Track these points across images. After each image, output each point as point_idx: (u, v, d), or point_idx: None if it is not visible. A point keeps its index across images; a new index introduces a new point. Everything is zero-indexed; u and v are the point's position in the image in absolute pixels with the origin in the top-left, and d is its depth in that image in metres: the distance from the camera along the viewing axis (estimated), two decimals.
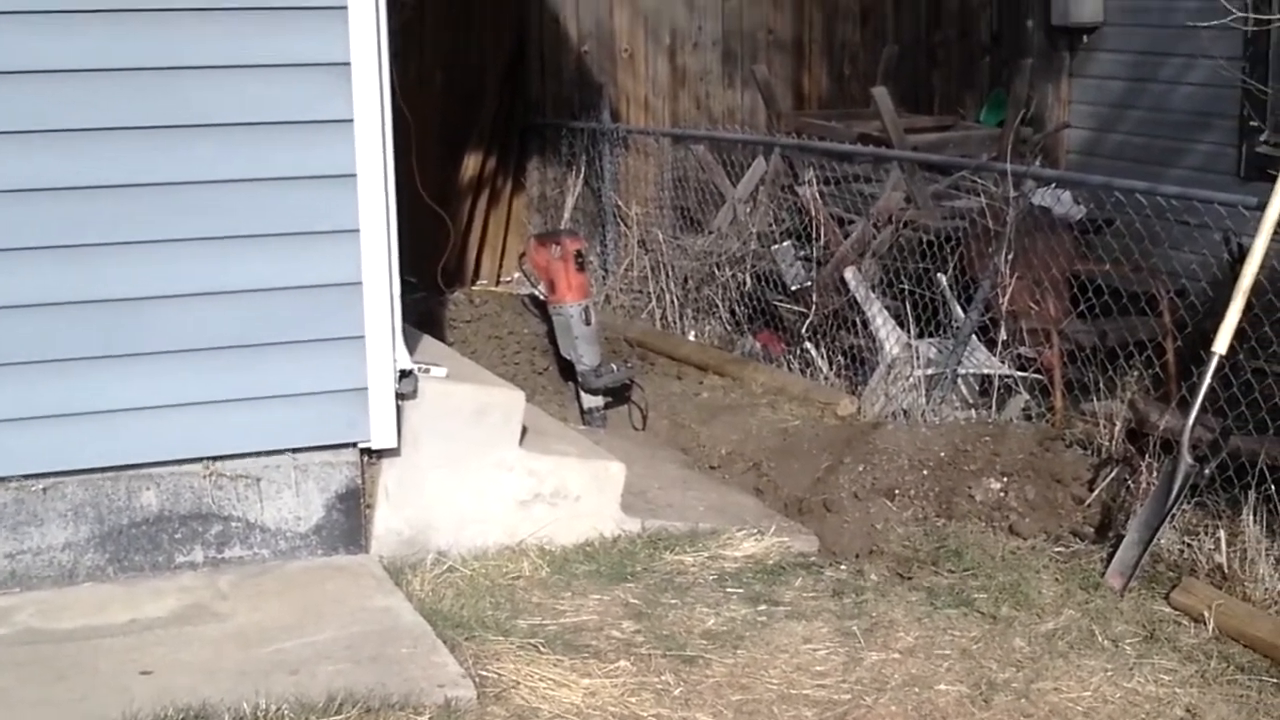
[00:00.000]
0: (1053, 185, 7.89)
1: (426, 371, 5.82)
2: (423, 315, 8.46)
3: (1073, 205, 8.89)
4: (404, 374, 5.66)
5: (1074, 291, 7.78)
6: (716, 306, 9.35)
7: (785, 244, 8.94)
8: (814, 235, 8.63)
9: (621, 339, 9.44)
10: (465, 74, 10.99)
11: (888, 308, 8.29)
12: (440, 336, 8.27)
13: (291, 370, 5.54)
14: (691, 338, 9.45)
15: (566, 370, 8.30)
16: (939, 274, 8.10)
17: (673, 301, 9.71)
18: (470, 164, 11.06)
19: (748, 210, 9.71)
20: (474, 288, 11.17)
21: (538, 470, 6.00)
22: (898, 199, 8.61)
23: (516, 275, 11.33)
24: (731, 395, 8.22)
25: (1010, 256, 7.21)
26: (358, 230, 5.50)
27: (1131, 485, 6.34)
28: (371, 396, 5.62)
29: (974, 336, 7.87)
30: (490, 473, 5.93)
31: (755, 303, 9.08)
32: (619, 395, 8.17)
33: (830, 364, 8.43)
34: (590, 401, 7.97)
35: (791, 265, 8.85)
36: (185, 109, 5.30)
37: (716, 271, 9.41)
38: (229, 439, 5.53)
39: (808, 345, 8.53)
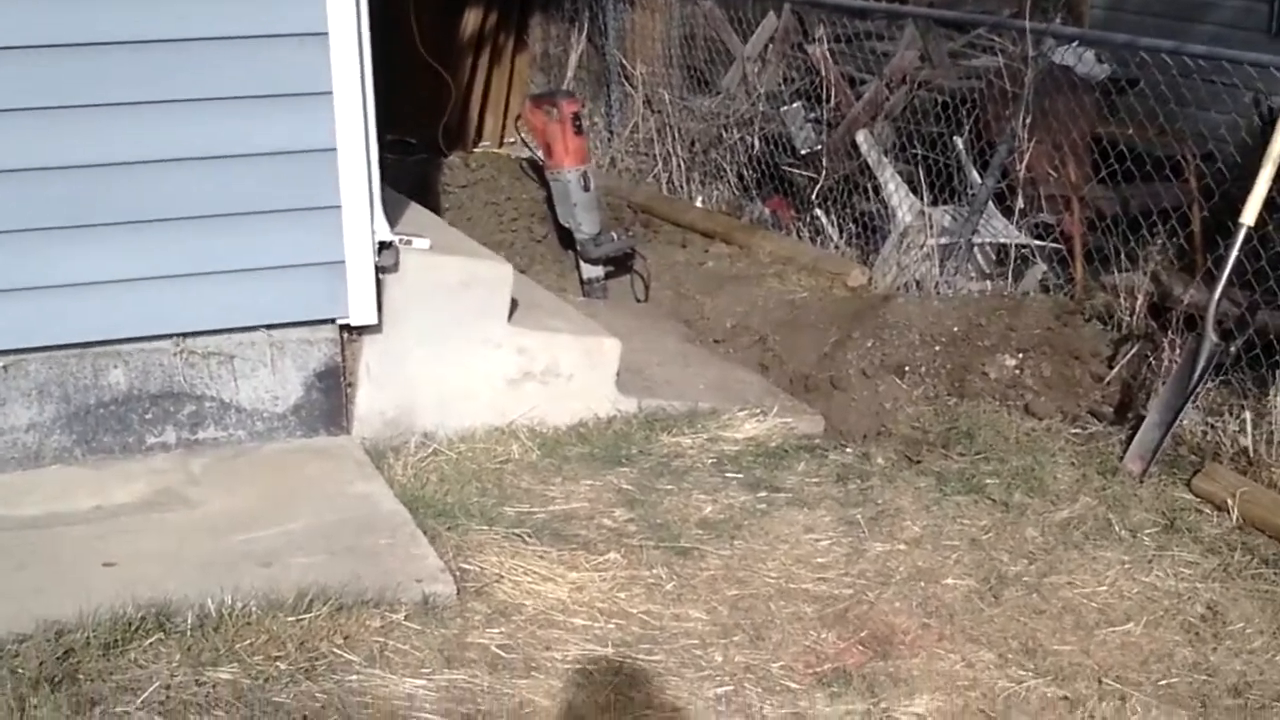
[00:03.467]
0: (1074, 43, 7.46)
1: (409, 243, 5.50)
2: (416, 180, 8.12)
3: (1095, 64, 8.45)
4: (384, 246, 5.34)
5: (1096, 156, 7.40)
6: (724, 170, 8.98)
7: (795, 105, 8.55)
8: (824, 96, 8.24)
9: (625, 204, 9.11)
10: None
11: (901, 173, 7.93)
12: (434, 203, 7.96)
13: (264, 242, 5.22)
14: (699, 203, 9.10)
15: (566, 239, 7.98)
16: (955, 137, 7.73)
17: (679, 165, 9.35)
18: (471, 19, 10.63)
19: (757, 70, 9.30)
20: (476, 150, 10.82)
21: (528, 347, 5.70)
22: (912, 58, 8.20)
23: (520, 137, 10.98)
24: (738, 264, 7.90)
25: (1028, 119, 6.84)
26: (330, 93, 5.15)
27: (1154, 363, 6.05)
28: (349, 269, 5.31)
29: (991, 204, 7.53)
30: (477, 350, 5.63)
31: (764, 167, 8.71)
32: (621, 265, 7.84)
33: (841, 232, 8.08)
34: (590, 271, 7.66)
35: (801, 128, 8.47)
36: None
37: (724, 134, 9.03)
38: (200, 314, 5.24)
39: (818, 212, 8.18)
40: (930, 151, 7.72)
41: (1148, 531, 5.03)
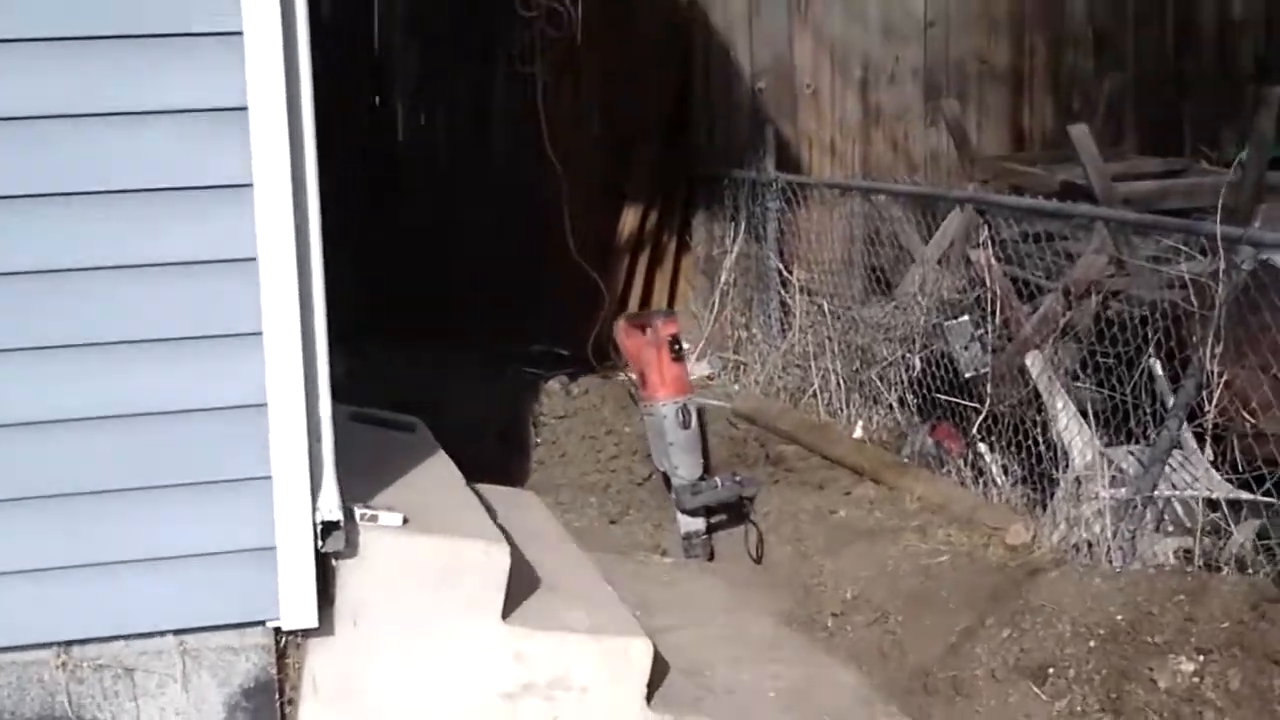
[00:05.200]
0: None
1: (374, 519, 4.34)
2: (507, 417, 7.01)
3: None
4: (329, 526, 4.18)
5: None
6: (883, 394, 7.66)
7: (963, 319, 7.20)
8: (991, 310, 6.89)
9: (771, 431, 7.86)
10: (625, 115, 9.56)
11: (1088, 403, 6.51)
12: (521, 437, 6.83)
13: (171, 525, 4.14)
14: (858, 431, 7.76)
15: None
16: (1152, 360, 6.27)
17: (839, 385, 8.05)
18: (630, 219, 9.62)
19: (936, 277, 7.99)
20: None
21: (528, 653, 4.46)
22: (1099, 264, 6.80)
23: (689, 346, 9.85)
24: (877, 514, 6.54)
25: (1218, 346, 5.39)
26: (259, 333, 4.06)
27: None
28: (281, 558, 4.17)
29: (1193, 445, 6.06)
30: (462, 657, 4.42)
31: (926, 391, 7.37)
32: (735, 512, 6.56)
33: (1008, 474, 6.66)
34: (688, 525, 6.40)
35: (967, 346, 7.11)
36: (29, 172, 3.94)
37: (885, 350, 7.72)
38: (90, 617, 4.14)
39: (981, 448, 6.78)
40: (1118, 380, 6.28)
41: None
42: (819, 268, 8.63)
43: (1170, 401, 6.11)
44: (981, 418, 6.76)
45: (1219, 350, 5.40)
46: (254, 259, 4.03)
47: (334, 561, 4.29)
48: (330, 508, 4.18)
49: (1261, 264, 6.22)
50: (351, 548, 4.30)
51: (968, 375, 7.06)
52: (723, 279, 9.08)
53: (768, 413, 8.22)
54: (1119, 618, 5.07)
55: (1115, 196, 7.24)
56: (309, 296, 4.12)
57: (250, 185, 4.00)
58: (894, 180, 8.92)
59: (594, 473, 6.73)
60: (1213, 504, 5.95)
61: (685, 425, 6.33)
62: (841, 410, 7.96)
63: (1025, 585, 5.38)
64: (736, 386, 9.04)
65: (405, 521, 4.41)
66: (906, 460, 7.25)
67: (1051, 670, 4.94)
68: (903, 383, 7.63)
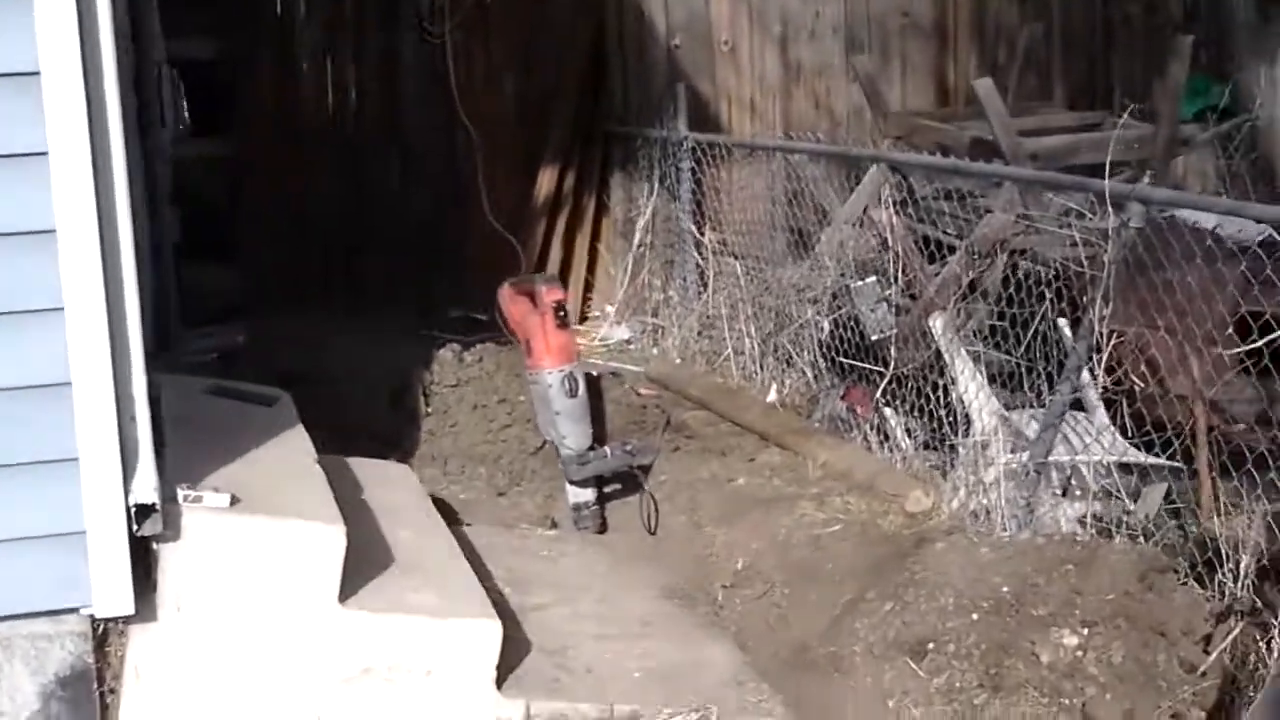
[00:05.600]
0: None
1: (198, 500, 4.10)
2: (400, 384, 6.78)
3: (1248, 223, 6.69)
4: (144, 509, 3.93)
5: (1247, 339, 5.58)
6: (794, 358, 7.43)
7: (869, 280, 6.98)
8: (895, 271, 6.67)
9: (683, 397, 7.64)
10: (539, 76, 9.32)
11: (992, 365, 6.30)
12: (412, 407, 6.59)
13: None
14: (772, 395, 7.53)
15: None
16: (1060, 320, 6.04)
17: (753, 349, 7.82)
18: (546, 181, 9.38)
19: (853, 238, 7.75)
20: None
21: (367, 637, 4.23)
22: (1003, 222, 6.58)
23: (609, 309, 9.63)
24: (776, 481, 6.31)
25: (1107, 307, 5.17)
26: (60, 309, 3.81)
27: (1264, 649, 4.29)
28: (92, 543, 3.93)
29: (1102, 409, 5.86)
30: (295, 642, 4.19)
31: (835, 353, 7.15)
32: (631, 482, 6.33)
33: (912, 437, 6.45)
34: (577, 495, 6.16)
35: (874, 308, 6.88)
36: None
37: (794, 313, 7.50)
38: None
39: (886, 413, 6.56)
40: (1026, 342, 6.05)
41: None
42: (735, 228, 8.40)
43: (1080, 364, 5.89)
44: (886, 381, 6.54)
45: (1107, 311, 5.17)
46: (52, 231, 3.78)
47: (155, 546, 4.06)
48: (145, 490, 3.94)
49: (1167, 221, 6.02)
50: (173, 531, 4.07)
51: (874, 338, 6.85)
52: (637, 240, 8.84)
53: (680, 378, 8.00)
54: (1004, 589, 4.86)
55: (1022, 152, 7.01)
56: (116, 269, 3.88)
57: (45, 154, 3.74)
58: (810, 138, 8.66)
59: (484, 443, 6.48)
60: (1126, 468, 5.76)
61: (572, 394, 6.09)
62: (756, 374, 7.75)
63: (912, 556, 5.16)
64: (655, 350, 8.82)
65: (234, 502, 4.16)
66: (817, 425, 7.03)
67: (932, 645, 4.72)
68: (815, 346, 7.40)
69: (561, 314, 6.09)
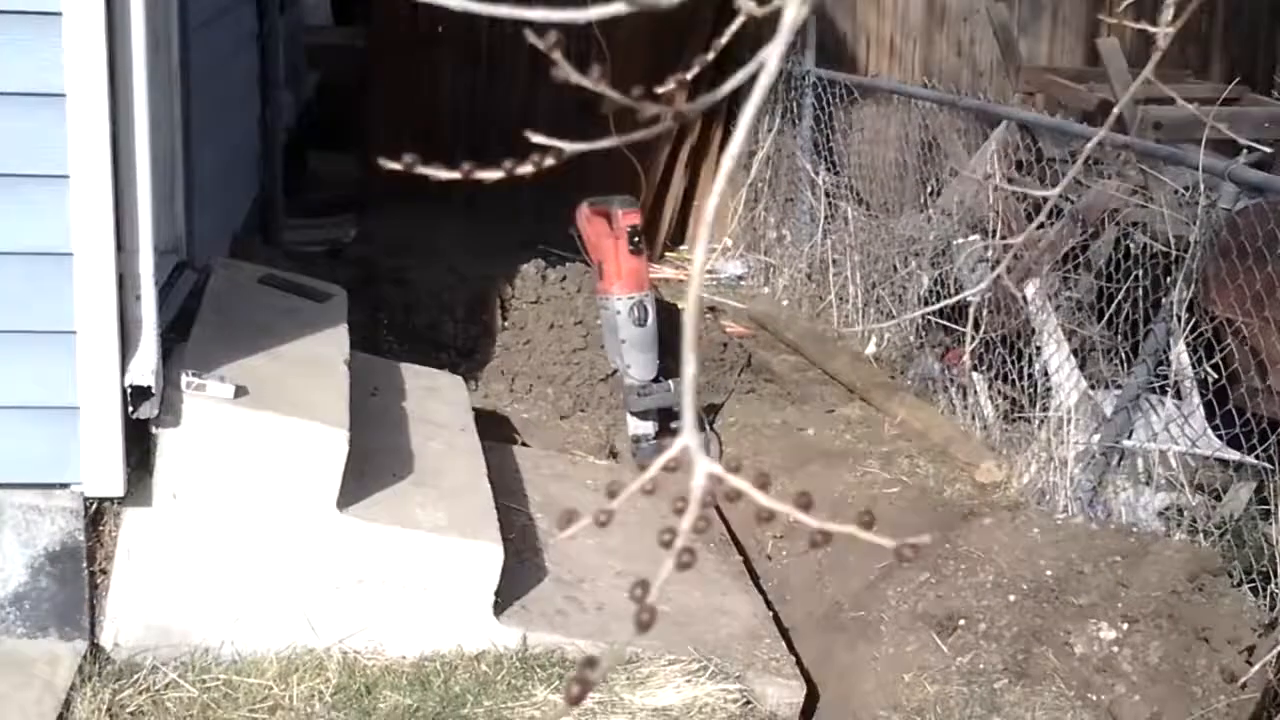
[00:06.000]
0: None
1: (201, 388, 3.99)
2: (481, 293, 6.62)
3: None
4: (140, 391, 3.83)
5: None
6: (893, 311, 7.16)
7: (972, 238, 6.68)
8: (995, 231, 6.36)
9: (778, 339, 7.43)
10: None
11: (1089, 340, 5.98)
12: (488, 320, 6.45)
13: None
14: (871, 348, 7.28)
15: None
16: (1166, 298, 5.70)
17: (857, 298, 7.56)
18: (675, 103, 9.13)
19: (975, 193, 7.43)
20: (668, 255, 9.33)
21: (364, 544, 4.11)
22: (1109, 192, 6.21)
23: (726, 243, 9.39)
24: (848, 436, 6.08)
25: (1188, 293, 4.85)
26: (66, 176, 3.70)
27: None
28: (84, 420, 3.84)
29: (1196, 397, 5.53)
30: (290, 543, 4.08)
31: (933, 311, 6.85)
32: (701, 418, 6.12)
33: (997, 407, 6.16)
34: (637, 427, 5.97)
35: (975, 268, 6.59)
36: None
37: (899, 266, 7.22)
38: None
39: (975, 378, 6.27)
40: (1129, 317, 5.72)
41: None
42: (856, 173, 8.10)
43: (1180, 347, 5.57)
44: (974, 344, 6.24)
45: (1188, 293, 4.84)
46: (62, 95, 3.67)
47: (154, 430, 3.96)
48: (143, 371, 3.83)
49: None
50: (173, 416, 3.97)
51: (970, 298, 6.54)
52: (753, 174, 8.58)
53: (779, 320, 7.78)
54: (1048, 573, 4.61)
55: (1147, 119, 6.62)
56: (129, 141, 3.77)
57: (59, 14, 3.63)
58: (943, 88, 8.31)
59: (555, 363, 6.30)
60: (1223, 463, 5.44)
61: (640, 323, 5.88)
62: (858, 324, 7.49)
63: (958, 529, 4.91)
64: (766, 289, 8.59)
65: (240, 394, 4.05)
66: (909, 383, 6.77)
67: (962, 622, 4.50)
68: (917, 301, 7.12)
69: (636, 239, 5.88)
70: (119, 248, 3.80)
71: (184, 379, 3.99)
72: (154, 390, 3.84)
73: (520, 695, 4.00)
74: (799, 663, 4.42)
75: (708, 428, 6.07)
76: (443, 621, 4.14)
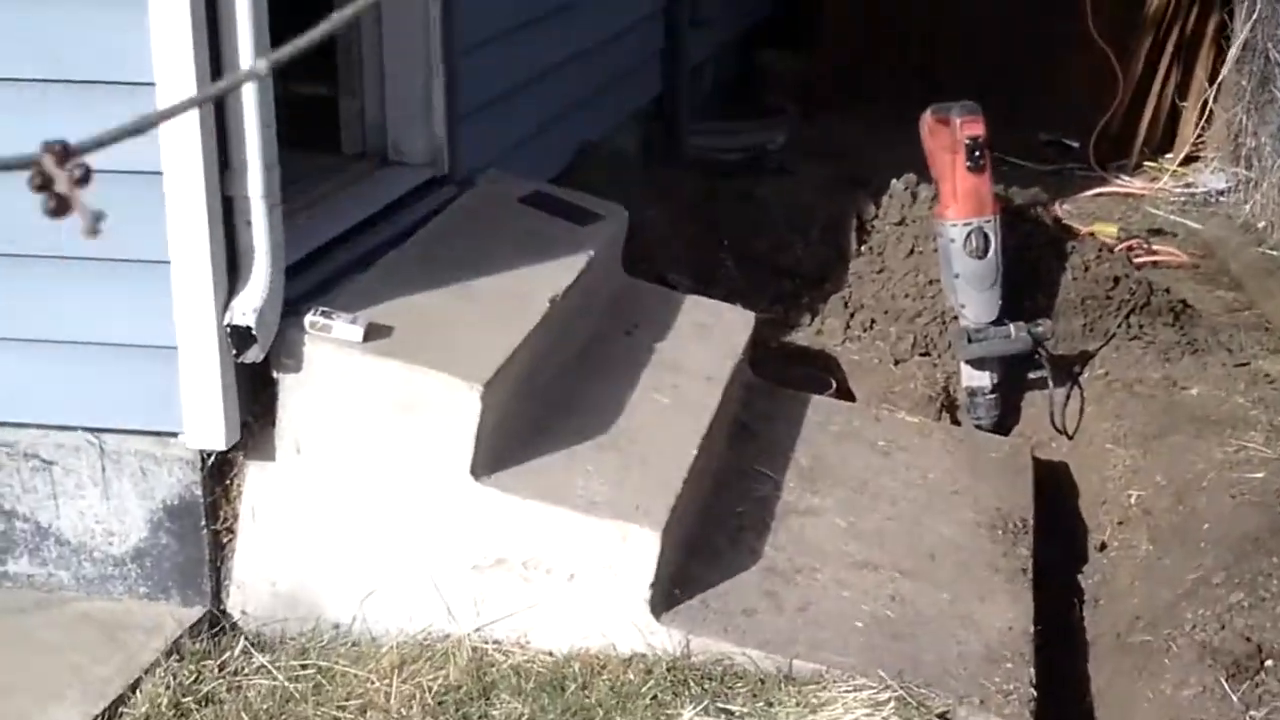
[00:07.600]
0: None
1: (326, 329, 3.52)
2: (832, 214, 5.88)
3: None
4: (240, 332, 3.39)
5: None
6: None
7: None
8: None
9: (1219, 270, 6.33)
10: None
11: None
12: (842, 244, 5.72)
13: (68, 303, 3.51)
14: None
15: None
16: None
17: None
18: None
19: None
20: (1149, 165, 8.23)
21: (502, 519, 3.54)
22: None
23: (1211, 155, 8.19)
24: (1240, 399, 4.97)
25: None
26: (151, 84, 3.29)
27: None
28: (183, 364, 3.44)
29: None
30: (422, 511, 3.57)
31: None
32: (1060, 369, 5.18)
33: None
34: (970, 378, 5.08)
35: None
36: None
37: None
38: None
39: None
40: None
41: None
42: None
43: None
44: None
45: None
46: None
47: (276, 375, 3.52)
48: (248, 309, 3.39)
49: None
50: (294, 361, 3.52)
51: None
52: (1226, 69, 7.38)
53: (1230, 247, 6.64)
54: None
55: None
56: (232, 44, 3.29)
57: None
58: None
59: (906, 296, 5.45)
60: None
61: (979, 255, 4.97)
62: None
63: None
64: (1246, 208, 7.37)
65: (376, 335, 3.55)
66: None
67: (1269, 664, 3.48)
68: None
69: (976, 154, 4.96)
70: (225, 165, 3.36)
71: (308, 318, 3.52)
72: (255, 331, 3.39)
73: (662, 716, 3.34)
74: (1037, 697, 3.51)
75: (1066, 382, 5.11)
76: (592, 615, 3.54)
